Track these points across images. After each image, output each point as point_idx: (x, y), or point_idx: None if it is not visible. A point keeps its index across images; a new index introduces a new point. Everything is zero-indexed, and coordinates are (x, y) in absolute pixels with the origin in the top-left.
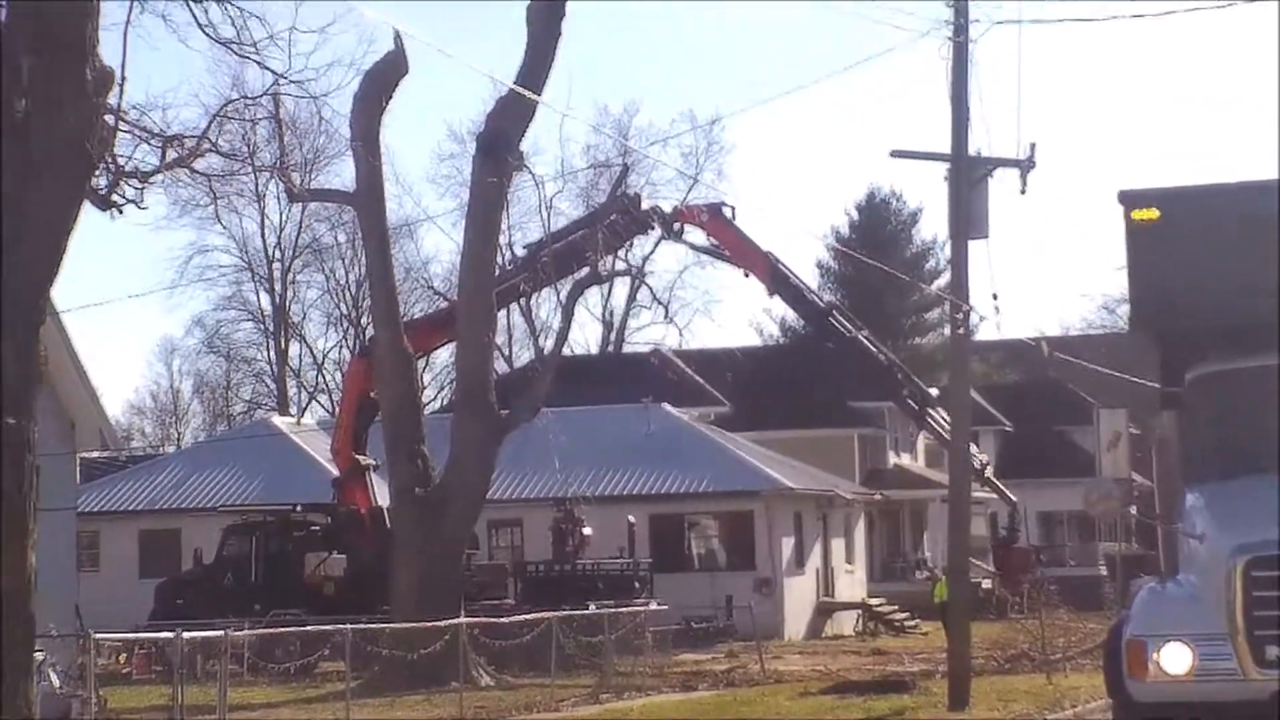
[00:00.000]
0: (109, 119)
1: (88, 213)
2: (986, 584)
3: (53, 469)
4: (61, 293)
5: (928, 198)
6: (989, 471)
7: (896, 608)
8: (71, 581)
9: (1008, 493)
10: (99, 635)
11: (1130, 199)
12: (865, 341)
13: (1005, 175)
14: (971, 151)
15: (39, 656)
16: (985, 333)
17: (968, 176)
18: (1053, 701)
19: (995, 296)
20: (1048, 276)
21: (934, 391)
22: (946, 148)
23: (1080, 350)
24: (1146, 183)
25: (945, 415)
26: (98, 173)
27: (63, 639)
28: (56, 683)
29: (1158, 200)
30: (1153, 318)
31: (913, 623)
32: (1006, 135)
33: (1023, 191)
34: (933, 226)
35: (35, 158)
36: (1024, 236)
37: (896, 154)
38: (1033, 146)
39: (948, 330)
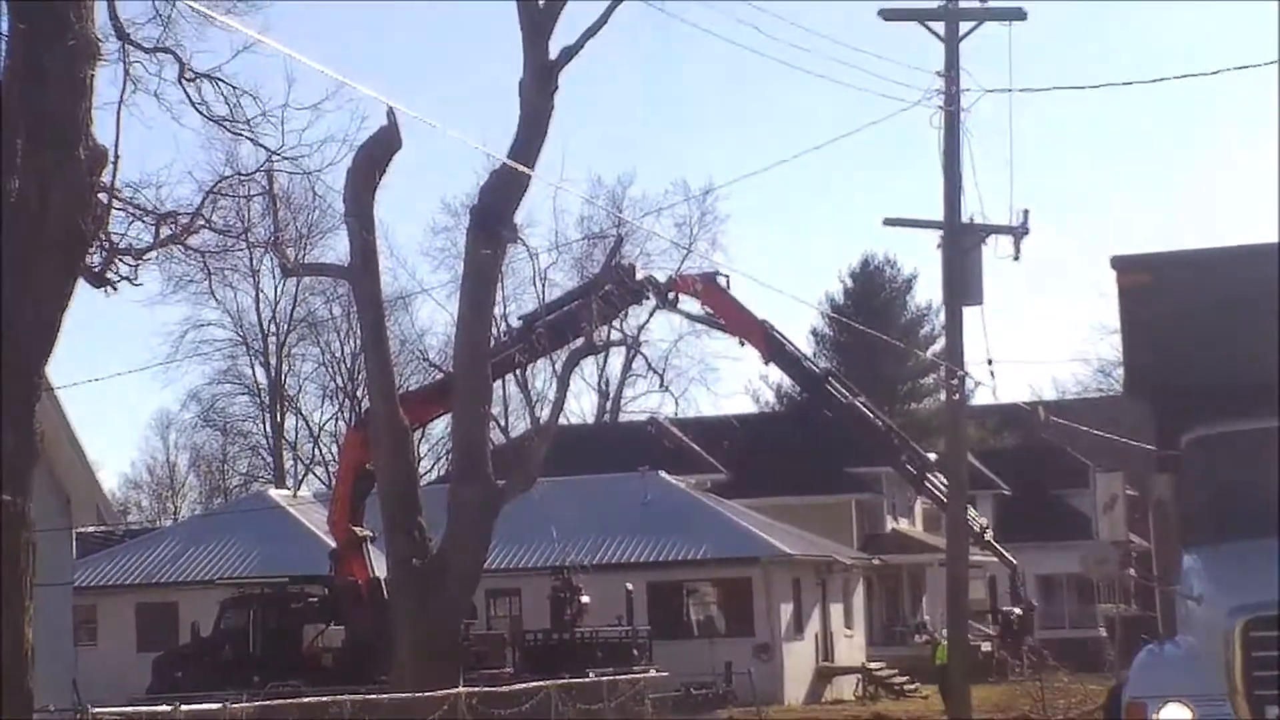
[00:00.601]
0: (103, 197)
1: (82, 290)
2: (986, 647)
3: (49, 544)
4: (57, 369)
5: (922, 264)
6: (989, 535)
7: (896, 671)
8: (69, 656)
9: (1007, 555)
10: (96, 710)
11: (1123, 264)
12: (862, 408)
13: (999, 240)
14: (965, 218)
15: None
16: (981, 397)
17: (961, 244)
18: None
19: (990, 361)
20: (1043, 340)
21: (932, 456)
22: (939, 214)
23: (1076, 414)
24: (1142, 245)
25: (943, 480)
26: (92, 250)
27: (60, 714)
28: None
29: (1150, 265)
30: (1147, 381)
31: (912, 686)
32: (1000, 200)
33: (1016, 257)
34: (927, 293)
35: (29, 236)
36: (1019, 301)
37: (890, 222)
38: (1025, 213)
39: (944, 395)
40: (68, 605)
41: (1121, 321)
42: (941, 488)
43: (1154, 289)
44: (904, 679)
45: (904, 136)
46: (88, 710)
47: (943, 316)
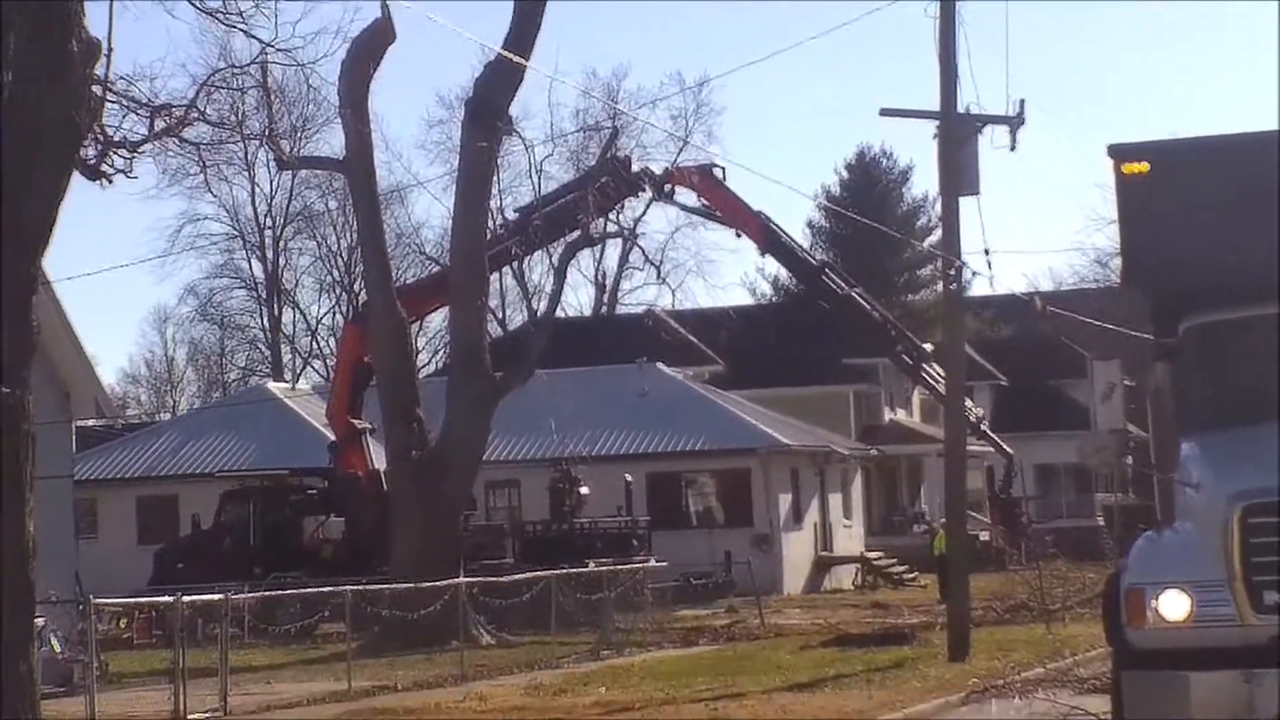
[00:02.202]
0: (96, 90)
1: (78, 183)
2: (984, 536)
3: (49, 438)
4: (54, 263)
5: (918, 155)
6: (985, 425)
7: (895, 561)
8: (70, 549)
9: (1004, 445)
10: (99, 601)
11: (1120, 153)
12: (858, 298)
13: (995, 131)
14: (961, 108)
15: (39, 623)
16: (978, 288)
17: (957, 134)
18: (1052, 651)
19: (987, 252)
20: (1040, 232)
21: (928, 347)
22: (936, 105)
23: (1074, 304)
24: (1140, 136)
25: (940, 370)
26: (86, 143)
27: (63, 605)
28: (58, 648)
29: (1149, 154)
30: (1145, 270)
31: (911, 576)
32: (996, 91)
33: (1013, 148)
34: (924, 184)
35: (24, 130)
36: (1015, 192)
37: (886, 112)
38: (1022, 103)
39: (941, 286)
40: (68, 498)
41: (1119, 211)
42: (938, 378)
43: (1152, 177)
44: (903, 568)
45: (900, 27)
46: (90, 600)
47: (939, 208)
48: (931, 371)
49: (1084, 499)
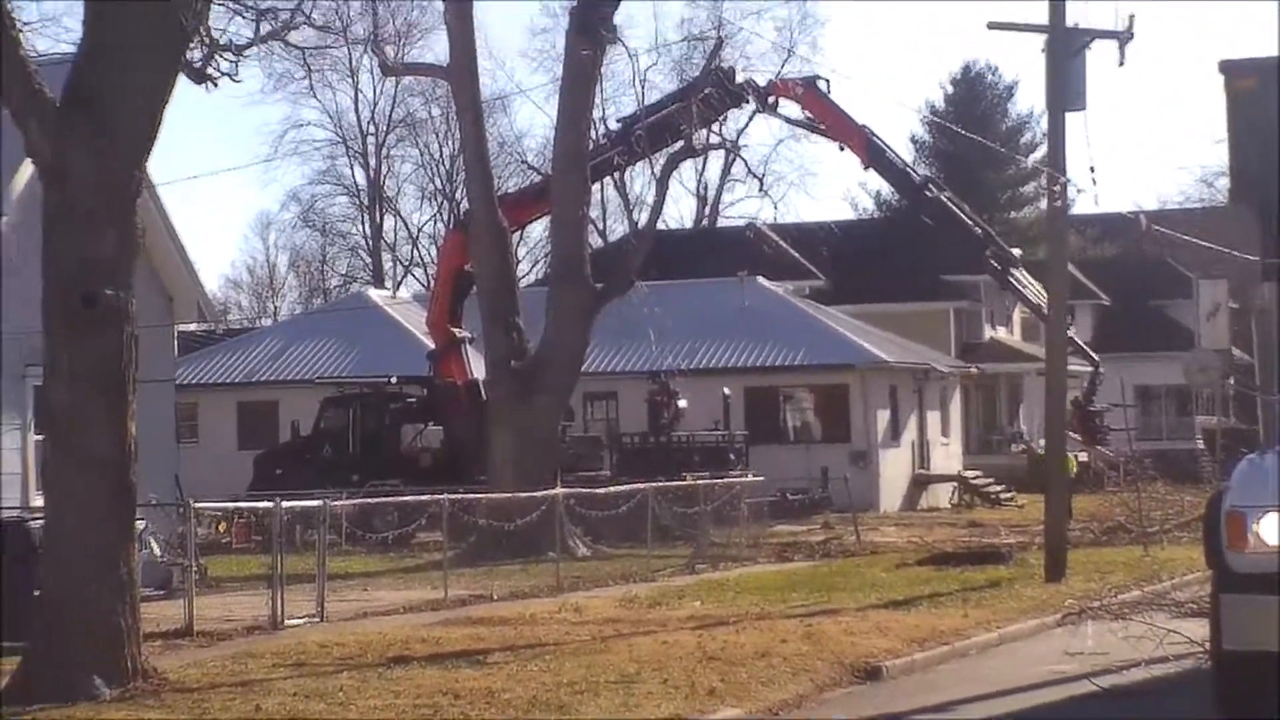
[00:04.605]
0: None
1: (182, 86)
2: (1083, 457)
3: (151, 341)
4: (157, 167)
5: (1024, 71)
6: (1071, 331)
7: (992, 480)
8: (171, 452)
9: (1091, 354)
10: (199, 505)
11: (1231, 69)
12: (959, 212)
13: (1103, 47)
14: (1069, 23)
15: (140, 525)
16: (1082, 206)
17: (1065, 48)
18: (1150, 573)
19: (1092, 170)
20: (1146, 150)
21: (1017, 252)
22: (1044, 19)
23: (1179, 224)
24: (1250, 54)
25: (1029, 278)
26: (192, 46)
27: (163, 508)
28: (157, 551)
29: (1260, 70)
30: (1254, 188)
31: (1009, 495)
32: (1104, 6)
33: (1121, 63)
34: (1029, 100)
35: (130, 32)
36: (1122, 110)
37: (994, 25)
38: (1131, 18)
39: (1044, 204)
40: (170, 402)
41: (1229, 128)
42: (1025, 284)
43: (1263, 93)
44: (1000, 488)
45: None
46: (190, 504)
47: (1044, 123)
48: (1018, 277)
49: (1184, 421)
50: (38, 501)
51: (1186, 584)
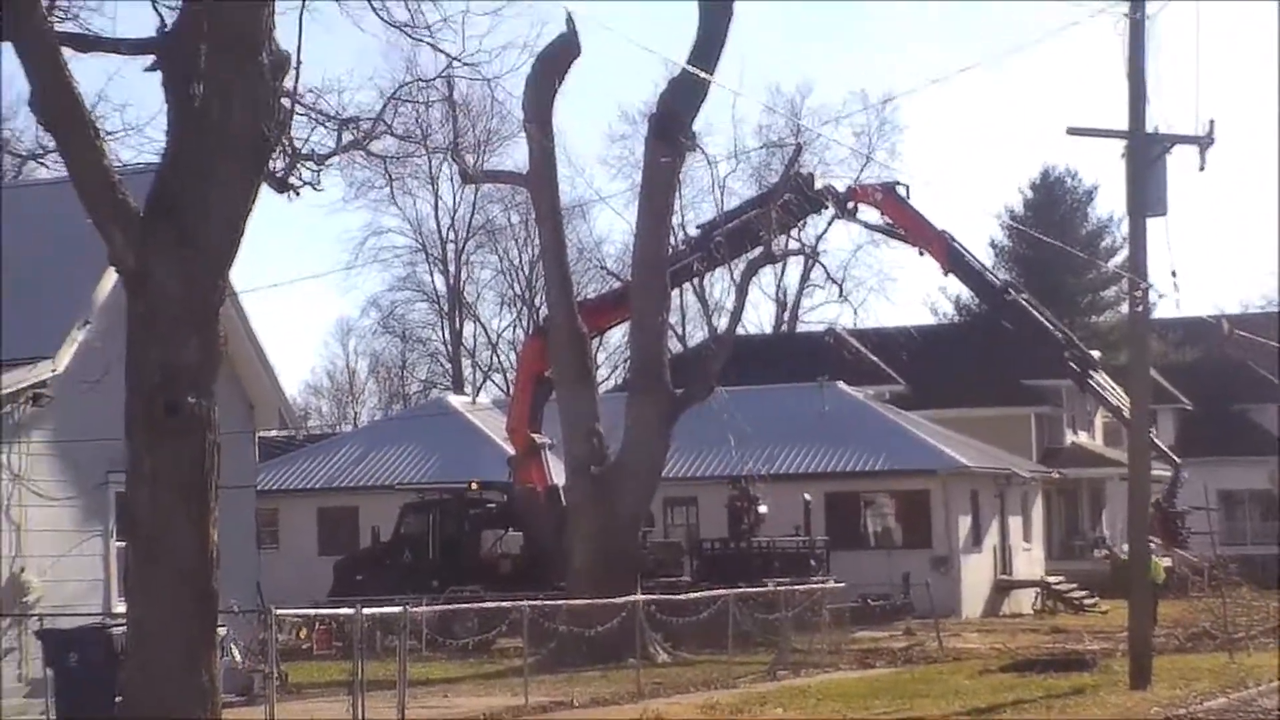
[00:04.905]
0: (285, 102)
1: (265, 195)
2: (1167, 562)
3: (233, 448)
4: (240, 275)
5: (1103, 175)
6: (1153, 435)
7: (1075, 586)
8: (252, 558)
9: (1171, 454)
10: (280, 611)
11: None
12: (1040, 316)
13: (1184, 151)
14: (1149, 128)
15: (222, 632)
16: (1163, 310)
17: (1145, 153)
18: (1236, 680)
19: (1174, 274)
20: (1228, 254)
21: (1096, 354)
22: (1123, 125)
23: (1261, 327)
24: None
25: (1109, 381)
26: (275, 155)
27: (244, 615)
28: (239, 657)
29: None
30: None
31: (1091, 601)
32: (1185, 110)
33: (1201, 168)
34: (1108, 204)
35: (213, 142)
36: (1203, 213)
37: (1073, 131)
38: (1211, 123)
39: (1125, 308)
40: (251, 508)
41: None
42: (1104, 386)
43: None
44: (1083, 593)
45: (1086, 47)
46: (271, 611)
47: (1125, 228)
48: (1098, 380)
49: (1268, 525)
50: (120, 608)
51: (1273, 691)
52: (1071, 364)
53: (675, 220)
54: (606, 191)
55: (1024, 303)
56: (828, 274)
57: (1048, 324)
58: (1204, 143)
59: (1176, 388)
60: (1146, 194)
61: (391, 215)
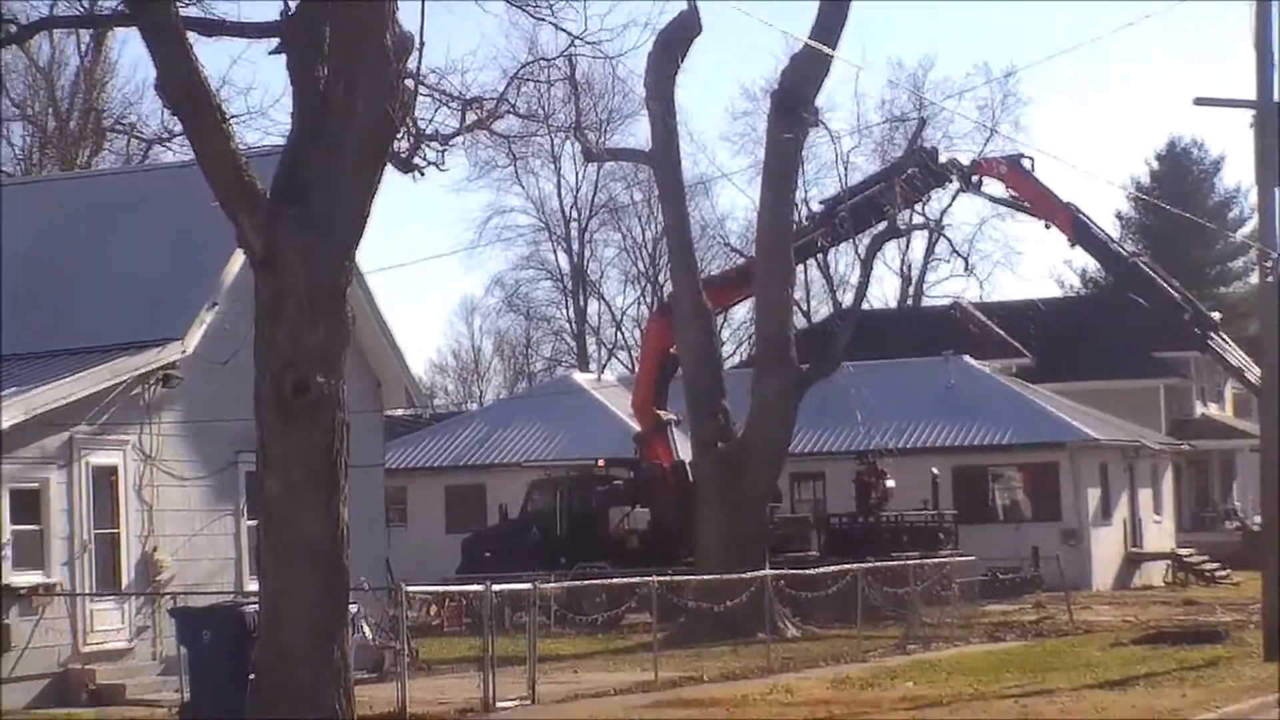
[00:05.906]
0: (409, 84)
1: (389, 175)
2: None
3: (361, 427)
4: (365, 254)
5: (1230, 146)
6: None
7: (1207, 558)
8: (381, 536)
9: None
10: (410, 588)
11: None
12: (1166, 285)
13: None
14: (1277, 97)
15: (353, 609)
16: None
17: (1273, 123)
18: None
19: None
20: None
21: (1217, 315)
22: (1251, 94)
23: None
24: None
25: (1230, 342)
26: (399, 136)
27: (374, 592)
28: (369, 634)
29: None
30: None
31: (1224, 573)
32: None
33: None
34: (1236, 175)
35: (337, 124)
36: None
37: (1200, 101)
38: None
39: (1254, 278)
40: (379, 487)
41: None
42: (1226, 347)
43: None
44: (1215, 565)
45: (1213, 13)
46: (401, 588)
47: (1253, 198)
48: (1219, 340)
49: None
50: (251, 586)
51: None
52: (1193, 327)
53: (798, 196)
54: (729, 168)
55: (1150, 272)
56: (953, 248)
57: (1175, 293)
58: None
59: None
60: (1275, 163)
61: (515, 194)
